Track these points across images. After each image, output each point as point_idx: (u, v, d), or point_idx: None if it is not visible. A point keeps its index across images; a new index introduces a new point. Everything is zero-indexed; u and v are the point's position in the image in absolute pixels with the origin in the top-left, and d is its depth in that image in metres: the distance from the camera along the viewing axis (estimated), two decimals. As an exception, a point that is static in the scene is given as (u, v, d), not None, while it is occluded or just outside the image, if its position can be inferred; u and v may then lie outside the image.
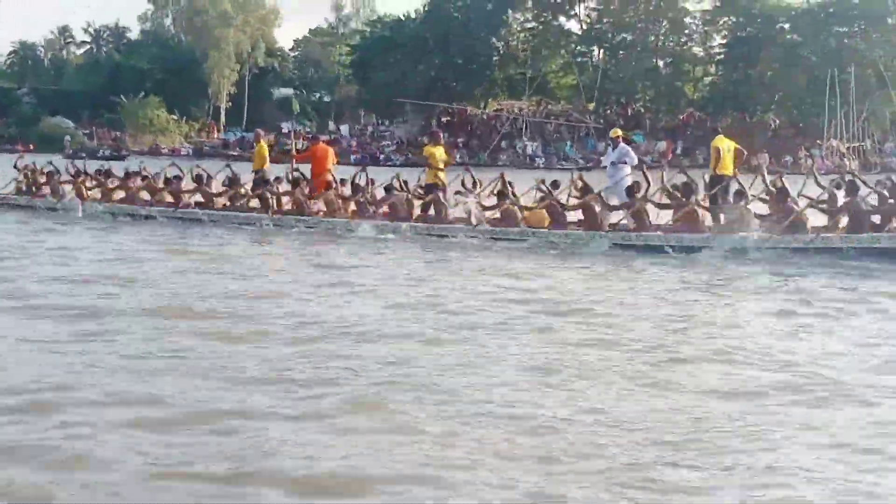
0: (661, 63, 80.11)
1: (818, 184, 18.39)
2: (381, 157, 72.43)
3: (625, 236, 17.10)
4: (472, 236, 18.23)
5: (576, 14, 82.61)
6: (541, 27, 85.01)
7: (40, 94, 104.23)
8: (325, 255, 16.55)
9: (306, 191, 21.43)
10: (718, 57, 78.71)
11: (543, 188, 18.90)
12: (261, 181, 22.85)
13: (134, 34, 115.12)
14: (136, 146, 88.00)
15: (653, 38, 79.75)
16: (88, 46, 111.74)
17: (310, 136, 28.24)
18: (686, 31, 79.88)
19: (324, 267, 15.05)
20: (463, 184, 20.37)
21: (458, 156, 72.20)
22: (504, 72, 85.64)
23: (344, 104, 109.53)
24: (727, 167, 18.26)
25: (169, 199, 23.32)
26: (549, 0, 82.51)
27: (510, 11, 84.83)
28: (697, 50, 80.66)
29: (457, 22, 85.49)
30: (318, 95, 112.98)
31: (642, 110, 77.19)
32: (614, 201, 18.37)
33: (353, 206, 20.76)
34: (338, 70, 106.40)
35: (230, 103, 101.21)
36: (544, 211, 18.37)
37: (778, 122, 72.05)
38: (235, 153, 74.96)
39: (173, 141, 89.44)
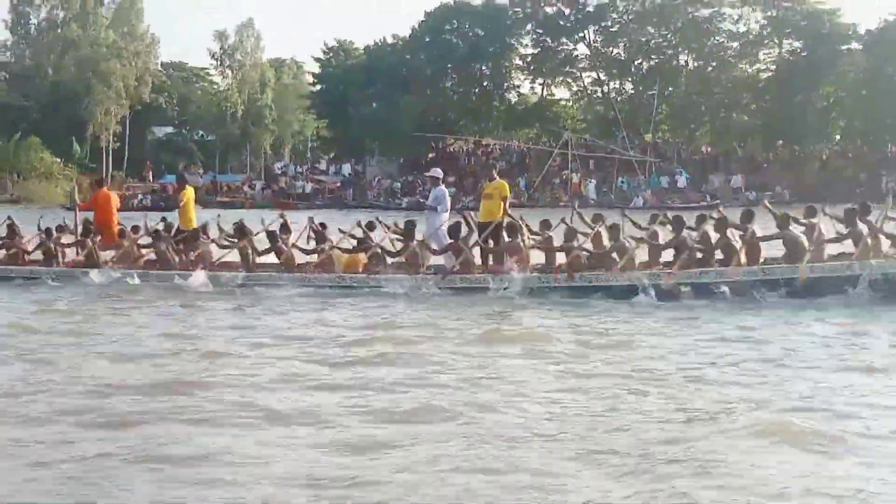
0: (689, 90, 69.98)
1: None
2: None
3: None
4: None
5: (584, 37, 71.71)
6: (540, 52, 73.33)
7: None
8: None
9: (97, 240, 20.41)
10: (762, 83, 70.04)
11: (360, 231, 19.11)
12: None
13: None
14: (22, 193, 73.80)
15: (681, 61, 70.12)
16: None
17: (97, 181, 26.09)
18: (721, 55, 69.59)
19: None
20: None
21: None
22: (503, 102, 74.51)
23: (230, 143, 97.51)
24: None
25: None
26: (554, 23, 71.04)
27: (507, 38, 72.91)
28: (739, 74, 75.15)
29: (451, 48, 74.94)
30: (200, 134, 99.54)
31: (663, 142, 68.56)
32: (431, 246, 18.65)
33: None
34: (225, 107, 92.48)
35: (118, 143, 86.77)
36: (359, 255, 18.69)
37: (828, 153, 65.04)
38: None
39: (55, 188, 75.19)
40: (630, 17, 76.97)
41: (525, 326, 13.48)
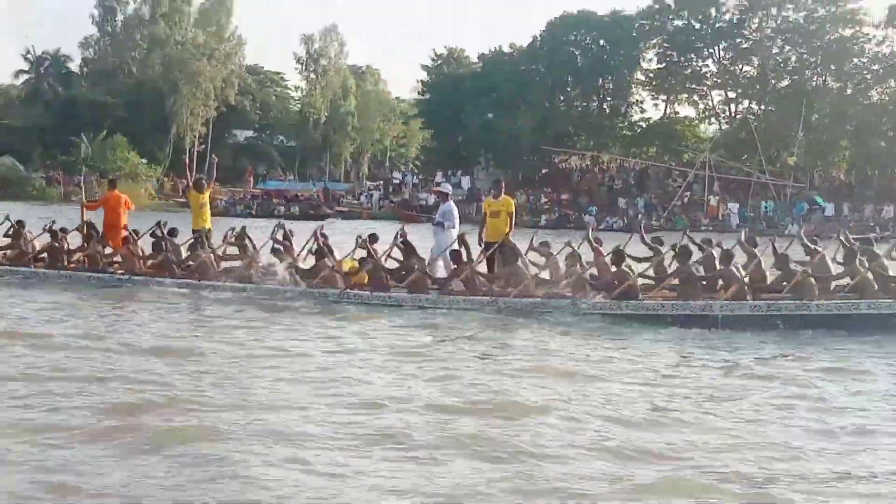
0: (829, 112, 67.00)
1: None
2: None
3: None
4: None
5: (712, 53, 68.10)
6: (665, 67, 70.49)
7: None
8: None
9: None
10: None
11: (364, 246, 18.48)
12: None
13: (75, 64, 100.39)
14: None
15: (818, 82, 66.28)
16: (28, 76, 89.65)
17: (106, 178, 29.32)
18: (863, 78, 69.95)
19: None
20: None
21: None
22: (625, 119, 70.99)
23: (310, 149, 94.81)
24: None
25: None
26: (683, 37, 68.03)
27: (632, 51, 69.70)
28: (879, 98, 71.42)
29: (572, 60, 70.36)
30: (280, 139, 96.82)
31: (800, 165, 64.40)
32: (439, 264, 18.64)
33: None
34: (308, 112, 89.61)
35: (203, 145, 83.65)
36: (364, 273, 18.16)
37: None
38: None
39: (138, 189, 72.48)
40: (765, 35, 73.52)
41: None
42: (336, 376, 11.05)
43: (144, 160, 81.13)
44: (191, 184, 23.14)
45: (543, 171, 74.23)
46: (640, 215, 64.05)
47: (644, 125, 78.99)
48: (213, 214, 21.80)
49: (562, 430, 9.00)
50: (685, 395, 10.74)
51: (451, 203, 19.63)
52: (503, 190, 19.31)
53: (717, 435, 9.04)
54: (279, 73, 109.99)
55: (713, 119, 77.94)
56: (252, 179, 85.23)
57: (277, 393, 10.23)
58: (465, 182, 71.25)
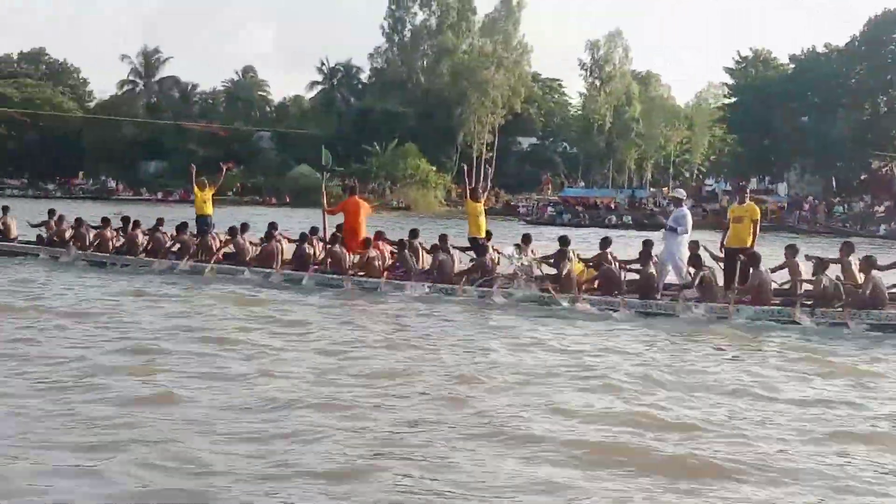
0: None
1: None
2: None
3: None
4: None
5: None
6: None
7: (281, 140, 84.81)
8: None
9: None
10: None
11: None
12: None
13: (364, 75, 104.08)
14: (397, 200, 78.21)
15: None
16: (321, 87, 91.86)
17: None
18: None
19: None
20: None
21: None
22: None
23: (593, 156, 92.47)
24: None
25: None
26: None
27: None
28: None
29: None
30: (563, 146, 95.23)
31: None
32: (668, 268, 18.09)
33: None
34: (592, 119, 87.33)
35: (490, 153, 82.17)
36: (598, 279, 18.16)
37: None
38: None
39: (429, 197, 71.78)
40: None
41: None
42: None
43: (433, 167, 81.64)
44: (468, 193, 22.03)
45: (863, 176, 69.80)
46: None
47: None
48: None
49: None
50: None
51: (685, 208, 19.15)
52: (748, 196, 18.73)
53: None
54: (556, 80, 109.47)
55: None
56: (549, 187, 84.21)
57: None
58: (782, 188, 67.45)
